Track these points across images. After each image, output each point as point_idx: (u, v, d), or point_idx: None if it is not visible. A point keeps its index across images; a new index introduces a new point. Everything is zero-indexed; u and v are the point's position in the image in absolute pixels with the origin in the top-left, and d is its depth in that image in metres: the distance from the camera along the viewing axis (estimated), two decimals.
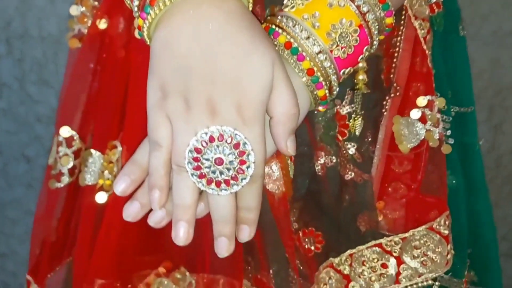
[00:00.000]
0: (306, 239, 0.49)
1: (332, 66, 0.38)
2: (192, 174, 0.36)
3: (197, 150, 0.35)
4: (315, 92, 0.39)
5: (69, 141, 0.49)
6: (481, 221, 0.62)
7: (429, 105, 0.47)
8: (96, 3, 0.50)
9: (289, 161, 0.47)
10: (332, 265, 0.48)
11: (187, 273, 0.47)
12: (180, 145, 0.35)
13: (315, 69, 0.37)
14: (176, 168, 0.37)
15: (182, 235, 0.37)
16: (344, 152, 0.47)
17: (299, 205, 0.49)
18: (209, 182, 0.36)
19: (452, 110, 0.53)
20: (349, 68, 0.40)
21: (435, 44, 0.51)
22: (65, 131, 0.49)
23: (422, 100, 0.47)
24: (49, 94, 1.12)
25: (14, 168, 1.20)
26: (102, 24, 0.48)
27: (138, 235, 0.48)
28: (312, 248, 0.49)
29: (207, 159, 0.35)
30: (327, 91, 0.39)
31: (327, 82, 0.38)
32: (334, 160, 0.48)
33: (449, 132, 0.51)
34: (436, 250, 0.48)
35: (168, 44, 0.35)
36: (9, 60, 1.11)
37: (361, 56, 0.40)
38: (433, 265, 0.48)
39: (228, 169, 0.35)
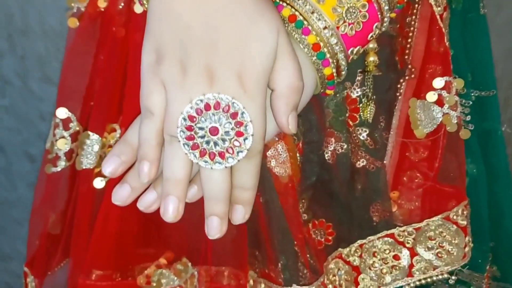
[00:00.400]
0: (316, 231, 0.46)
1: (339, 43, 0.36)
2: (184, 144, 0.33)
3: (191, 118, 0.32)
4: (321, 70, 0.36)
5: (66, 123, 0.47)
6: (504, 211, 0.59)
7: (447, 87, 0.45)
8: None
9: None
10: (341, 256, 0.46)
11: (189, 264, 0.45)
12: (174, 113, 0.33)
13: (322, 44, 0.35)
14: (168, 138, 0.34)
15: (171, 211, 0.34)
16: (355, 138, 0.45)
17: (308, 195, 0.46)
18: (202, 154, 0.33)
19: (472, 94, 0.51)
20: (358, 47, 0.38)
21: (453, 23, 0.48)
22: (62, 113, 0.46)
23: (439, 82, 0.45)
24: (52, 91, 1.10)
25: (17, 166, 1.19)
26: (102, 2, 0.46)
27: (138, 224, 0.46)
28: (322, 240, 0.46)
29: (201, 128, 0.33)
30: (334, 70, 0.37)
31: (334, 60, 0.36)
32: (345, 147, 0.45)
33: (468, 118, 0.49)
34: (453, 241, 0.46)
35: (169, 4, 0.32)
36: (12, 56, 1.09)
37: (370, 34, 0.37)
38: (449, 258, 0.46)
39: (224, 140, 0.33)
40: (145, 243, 0.47)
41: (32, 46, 1.08)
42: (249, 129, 0.32)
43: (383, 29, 0.39)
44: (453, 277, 0.48)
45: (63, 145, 0.46)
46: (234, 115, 0.32)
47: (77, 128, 0.47)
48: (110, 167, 0.36)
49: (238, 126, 0.32)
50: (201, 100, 0.32)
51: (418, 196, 0.48)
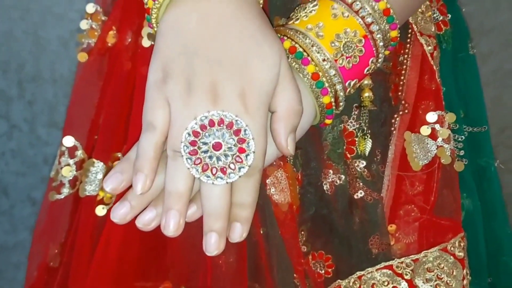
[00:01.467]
0: (316, 263, 0.47)
1: (337, 74, 0.38)
2: (187, 159, 0.34)
3: (196, 134, 0.34)
4: (320, 99, 0.38)
5: (72, 151, 0.48)
6: (503, 248, 0.60)
7: (439, 121, 0.48)
8: (105, 18, 0.52)
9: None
10: (340, 287, 0.47)
11: None
12: (178, 128, 0.34)
13: (320, 74, 0.38)
14: (171, 153, 0.35)
15: (172, 225, 0.35)
16: (353, 169, 0.47)
17: (307, 227, 0.47)
18: (204, 169, 0.34)
19: (465, 130, 0.53)
20: (355, 80, 0.40)
21: (444, 62, 0.51)
22: (69, 141, 0.48)
23: (432, 116, 0.47)
24: (58, 136, 1.13)
25: (19, 210, 1.20)
26: (111, 38, 0.49)
27: (137, 253, 0.46)
28: (322, 272, 0.47)
29: (205, 143, 0.34)
30: (332, 100, 0.39)
31: (333, 90, 0.38)
32: (343, 178, 0.47)
33: (462, 153, 0.51)
34: (451, 273, 0.46)
35: (176, 24, 0.34)
36: (21, 102, 1.13)
37: (367, 69, 0.40)
38: None
39: (226, 156, 0.34)
40: (144, 273, 0.47)
41: (41, 92, 1.12)
42: (251, 146, 0.34)
43: (378, 65, 0.42)
44: None
45: (67, 172, 0.48)
46: (237, 132, 0.34)
47: (82, 156, 0.48)
48: (111, 184, 0.37)
49: (240, 142, 0.34)
50: (206, 117, 0.33)
51: (415, 230, 0.49)
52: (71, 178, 0.48)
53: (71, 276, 0.47)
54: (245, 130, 0.34)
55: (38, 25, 1.10)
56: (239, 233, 0.36)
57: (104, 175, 0.47)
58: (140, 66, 0.48)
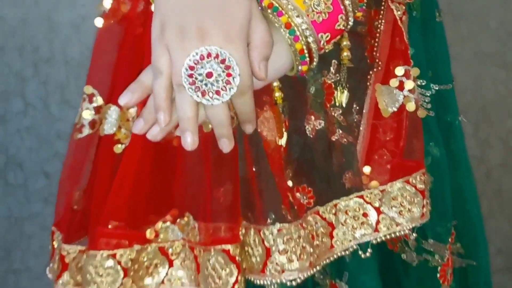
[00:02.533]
0: (299, 195, 0.56)
1: (309, 28, 0.46)
2: (189, 88, 0.43)
3: (191, 68, 0.42)
4: (293, 45, 0.46)
5: (91, 97, 0.57)
6: (466, 197, 0.68)
7: (406, 74, 0.56)
8: None
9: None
10: (318, 213, 0.55)
11: (191, 217, 0.54)
12: (178, 66, 0.43)
13: (292, 24, 0.46)
14: (177, 87, 0.44)
15: (189, 141, 0.45)
16: (331, 116, 0.55)
17: (294, 166, 0.56)
18: (203, 94, 0.43)
19: (433, 87, 0.61)
20: (327, 34, 0.48)
21: (414, 28, 0.59)
22: (88, 89, 0.57)
23: (400, 70, 0.55)
24: (70, 113, 1.22)
25: (33, 183, 1.28)
26: (124, 7, 0.58)
27: (149, 185, 0.54)
28: (305, 203, 0.55)
29: (200, 74, 0.42)
30: (305, 47, 0.47)
31: (304, 39, 0.46)
32: (322, 124, 0.55)
33: (429, 106, 0.59)
34: (412, 201, 0.54)
35: None
36: (35, 82, 1.22)
37: (337, 24, 0.48)
38: (410, 215, 0.54)
39: (217, 81, 0.42)
40: (155, 201, 0.55)
41: (54, 73, 1.21)
42: (236, 70, 0.43)
43: (350, 23, 0.50)
44: (414, 234, 0.57)
45: (87, 115, 0.56)
46: (223, 61, 0.42)
47: (100, 103, 0.57)
48: (125, 100, 0.47)
49: (227, 69, 0.42)
50: (197, 53, 0.42)
51: (387, 171, 0.57)
52: (90, 120, 0.57)
53: (93, 201, 0.55)
54: (229, 58, 0.43)
55: (51, 11, 1.19)
56: (250, 128, 0.48)
57: (120, 118, 0.56)
58: (149, 31, 0.56)
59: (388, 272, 0.62)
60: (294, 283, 0.51)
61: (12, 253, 1.32)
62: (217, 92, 0.43)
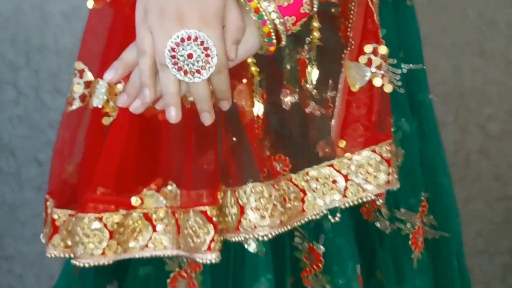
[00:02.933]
0: (276, 164, 0.60)
1: (276, 11, 0.51)
2: (172, 68, 0.48)
3: (173, 49, 0.47)
4: (261, 28, 0.51)
5: (81, 73, 0.61)
6: (437, 170, 0.72)
7: (374, 52, 0.60)
8: None
9: (259, 100, 0.59)
10: (291, 179, 0.59)
11: (174, 185, 0.57)
12: (160, 47, 0.47)
13: (261, 9, 0.51)
14: (160, 67, 0.48)
15: (173, 114, 0.50)
16: (305, 90, 0.59)
17: (271, 137, 0.60)
18: (185, 73, 0.48)
19: (404, 67, 0.65)
20: (292, 17, 0.52)
21: (387, 11, 0.63)
22: (79, 65, 0.61)
23: (368, 48, 0.59)
24: (62, 102, 1.24)
25: (26, 171, 1.31)
26: None
27: (134, 155, 0.58)
28: (281, 171, 0.59)
29: (182, 55, 0.47)
30: (272, 30, 0.52)
31: (271, 21, 0.51)
32: (297, 97, 0.59)
33: (399, 83, 0.63)
34: (378, 169, 0.58)
35: None
36: (27, 71, 1.25)
37: (302, 8, 0.52)
38: (375, 182, 0.58)
39: (198, 61, 0.47)
40: (140, 170, 0.59)
41: (46, 62, 1.24)
42: (214, 51, 0.47)
43: (315, 8, 0.53)
44: (380, 200, 0.61)
45: (78, 89, 0.60)
46: (202, 43, 0.47)
47: (90, 79, 0.60)
48: (109, 76, 0.53)
49: (205, 50, 0.47)
50: (178, 36, 0.47)
51: (360, 144, 0.60)
52: (80, 93, 0.60)
53: (82, 169, 0.59)
54: (207, 40, 0.47)
55: (43, 1, 1.22)
56: (226, 105, 0.54)
57: (108, 92, 0.59)
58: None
59: (364, 241, 0.66)
60: (266, 238, 0.55)
61: (5, 240, 1.35)
62: (198, 71, 0.48)
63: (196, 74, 0.48)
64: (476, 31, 1.20)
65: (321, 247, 0.61)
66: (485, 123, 1.25)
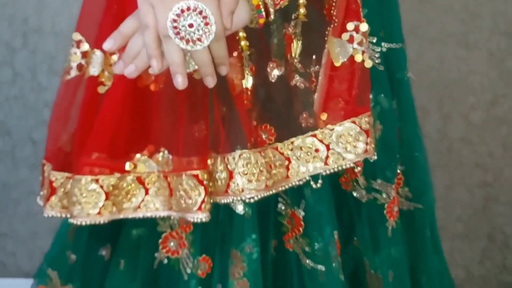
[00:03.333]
0: (262, 133, 0.64)
1: None
2: (175, 38, 0.51)
3: (175, 21, 0.51)
4: (251, 2, 0.56)
5: (78, 43, 0.64)
6: (414, 145, 0.76)
7: (356, 29, 0.64)
8: None
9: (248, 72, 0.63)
10: (277, 148, 0.63)
11: (166, 151, 0.61)
12: (162, 20, 0.51)
13: None
14: (164, 39, 0.52)
15: (180, 81, 0.54)
16: (291, 64, 0.63)
17: (258, 108, 0.64)
18: (187, 41, 0.51)
19: (384, 46, 0.70)
20: None
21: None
22: (77, 36, 0.64)
23: (350, 25, 0.63)
24: (57, 83, 1.27)
25: (20, 150, 1.33)
26: None
27: (128, 122, 0.62)
28: (266, 140, 0.63)
29: (183, 26, 0.51)
30: (261, 3, 0.56)
31: None
32: (283, 70, 0.63)
33: (379, 61, 0.67)
34: (357, 139, 0.63)
35: None
36: (24, 52, 1.28)
37: None
38: (354, 151, 0.63)
39: (198, 30, 0.51)
40: (134, 138, 0.62)
41: (43, 43, 1.27)
42: (212, 20, 0.51)
43: None
44: (359, 168, 0.65)
45: (75, 58, 0.64)
46: (200, 13, 0.51)
47: (87, 48, 0.64)
48: (108, 45, 0.56)
49: (204, 19, 0.51)
50: (178, 8, 0.51)
51: (341, 116, 0.65)
52: (77, 63, 0.64)
53: (78, 134, 0.63)
54: (205, 10, 0.51)
55: None
56: (224, 69, 0.57)
57: (103, 63, 0.63)
58: None
59: (342, 210, 0.70)
60: (252, 200, 0.59)
61: None
62: (199, 39, 0.52)
63: (197, 42, 0.52)
64: (461, 23, 1.25)
65: (302, 212, 0.65)
66: (468, 112, 1.29)
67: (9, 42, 1.27)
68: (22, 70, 1.29)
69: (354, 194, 0.69)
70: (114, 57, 0.64)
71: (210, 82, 0.56)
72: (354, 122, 0.63)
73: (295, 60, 0.64)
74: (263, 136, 0.63)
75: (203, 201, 0.58)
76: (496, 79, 1.26)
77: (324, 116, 0.65)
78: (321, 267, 0.64)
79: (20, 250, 1.40)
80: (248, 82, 0.62)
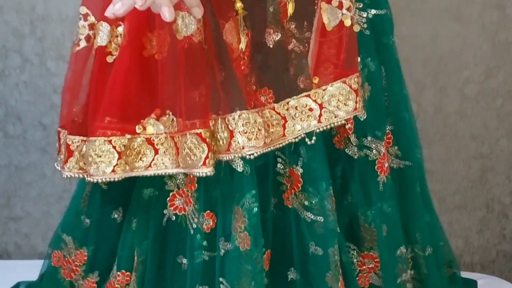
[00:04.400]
0: (261, 96, 0.68)
1: None
2: None
3: None
4: None
5: (85, 16, 0.69)
6: (401, 106, 0.80)
7: None
8: None
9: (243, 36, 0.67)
10: (274, 108, 0.68)
11: (171, 113, 0.66)
12: None
13: None
14: None
15: (167, 13, 0.55)
16: (287, 30, 0.68)
17: (256, 72, 0.68)
18: None
19: (369, 12, 0.74)
20: None
21: None
22: (83, 9, 0.69)
23: None
24: (65, 68, 1.30)
25: (31, 134, 1.38)
26: None
27: (136, 88, 0.66)
28: (266, 102, 0.68)
29: None
30: None
31: None
32: (279, 36, 0.68)
33: (365, 25, 0.72)
34: (348, 98, 0.68)
35: None
36: (32, 39, 1.32)
37: None
38: (345, 109, 0.68)
39: None
40: (141, 102, 0.67)
41: (50, 30, 1.31)
42: None
43: None
44: (349, 124, 0.70)
45: (83, 31, 0.68)
46: None
47: (93, 21, 0.68)
48: (110, 13, 0.57)
49: None
50: None
51: (331, 80, 0.70)
52: (85, 35, 0.69)
53: (91, 101, 0.67)
54: None
55: None
56: (198, 11, 0.59)
57: (110, 34, 0.67)
58: None
59: (336, 165, 0.75)
60: (252, 157, 0.64)
61: (11, 201, 1.43)
62: None
63: None
64: None
65: (300, 169, 0.69)
66: (462, 85, 1.33)
67: (17, 29, 1.31)
68: (30, 56, 1.33)
69: (347, 151, 0.73)
70: (120, 29, 0.68)
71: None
72: (344, 82, 0.68)
73: (292, 26, 0.68)
74: (262, 99, 0.68)
75: (206, 157, 0.62)
76: (489, 52, 1.29)
77: (315, 80, 0.70)
78: (320, 218, 0.69)
79: (33, 232, 1.45)
80: (244, 43, 0.67)
